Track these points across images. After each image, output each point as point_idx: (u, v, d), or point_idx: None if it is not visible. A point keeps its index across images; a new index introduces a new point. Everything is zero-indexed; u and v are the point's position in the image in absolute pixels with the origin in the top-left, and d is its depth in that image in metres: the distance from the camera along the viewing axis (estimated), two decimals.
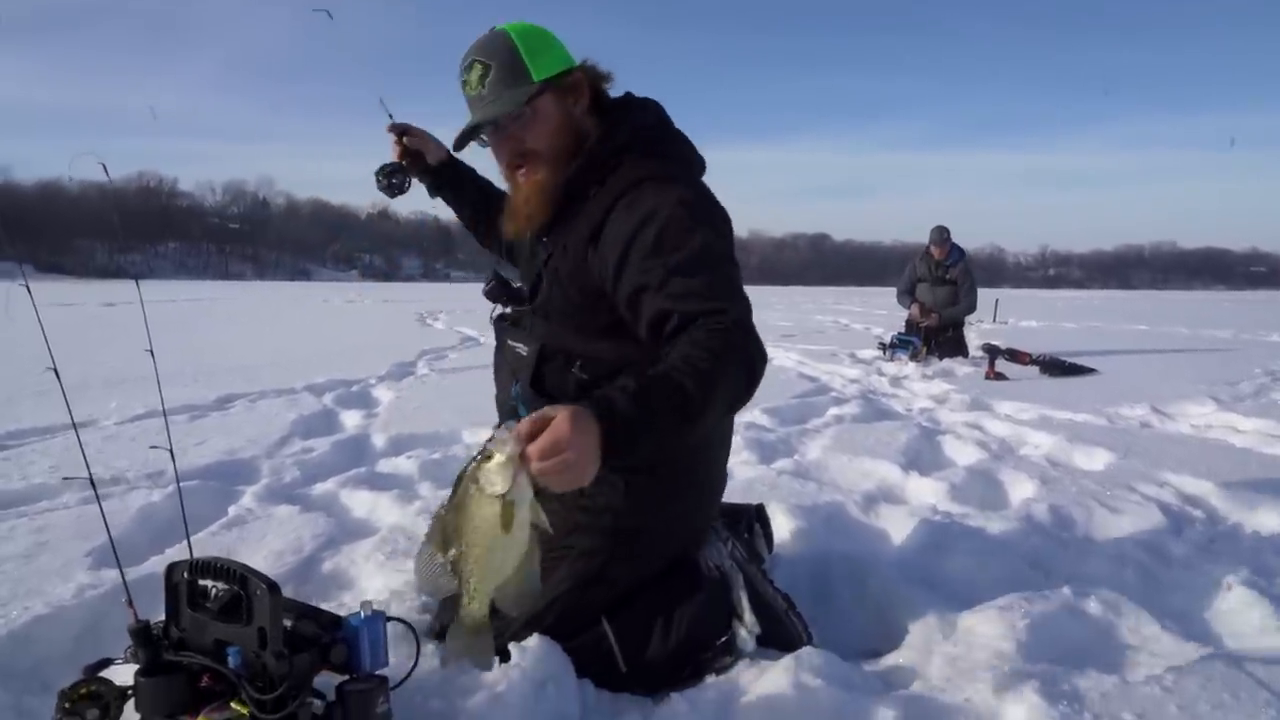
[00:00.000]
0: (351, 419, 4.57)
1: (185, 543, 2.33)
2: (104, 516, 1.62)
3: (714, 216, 1.61)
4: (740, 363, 1.43)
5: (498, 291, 1.87)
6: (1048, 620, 1.97)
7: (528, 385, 1.71)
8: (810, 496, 2.92)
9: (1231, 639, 2.03)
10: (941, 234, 8.35)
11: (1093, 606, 2.05)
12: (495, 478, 1.19)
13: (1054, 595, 2.07)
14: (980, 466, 3.51)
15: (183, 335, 10.69)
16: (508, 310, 1.85)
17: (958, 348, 8.17)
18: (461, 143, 1.72)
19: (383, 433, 4.03)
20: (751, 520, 2.20)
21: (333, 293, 36.99)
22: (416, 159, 2.22)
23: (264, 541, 2.42)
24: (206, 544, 2.40)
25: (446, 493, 3.08)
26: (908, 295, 8.48)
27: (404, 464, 3.43)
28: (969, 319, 8.71)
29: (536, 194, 1.67)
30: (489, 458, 1.20)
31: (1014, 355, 6.92)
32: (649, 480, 1.69)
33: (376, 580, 2.16)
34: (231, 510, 2.71)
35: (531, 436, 1.18)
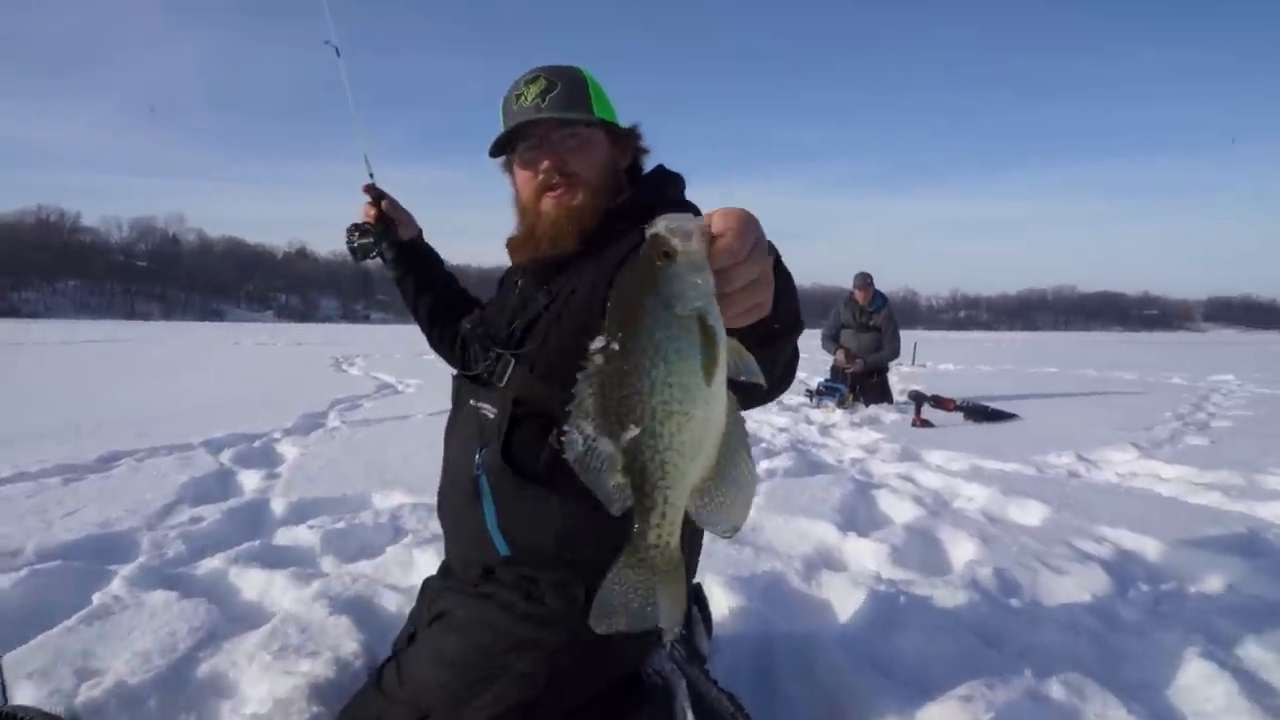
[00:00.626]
0: (250, 480, 4.19)
1: (37, 642, 2.04)
2: None
3: None
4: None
5: (482, 335, 1.65)
6: (1012, 710, 1.83)
7: (496, 453, 1.50)
8: (747, 565, 2.74)
9: (1196, 719, 1.94)
10: (864, 279, 8.41)
11: (1055, 690, 1.92)
12: (691, 281, 0.73)
13: (1014, 679, 1.94)
14: (918, 524, 3.39)
15: (74, 381, 9.97)
16: (481, 365, 1.61)
17: (883, 393, 8.19)
18: (504, 143, 1.61)
19: (283, 497, 3.69)
20: (690, 606, 2.00)
21: (245, 334, 35.57)
22: (388, 228, 2.03)
23: (129, 639, 2.09)
24: (59, 642, 2.07)
25: (351, 568, 2.81)
26: (832, 341, 8.49)
27: (304, 535, 3.11)
28: (891, 363, 8.75)
29: (569, 218, 1.54)
30: (667, 255, 0.74)
31: (939, 402, 6.96)
32: None
33: (261, 686, 1.87)
34: (96, 598, 2.36)
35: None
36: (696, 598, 2.04)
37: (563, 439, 0.79)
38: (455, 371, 1.74)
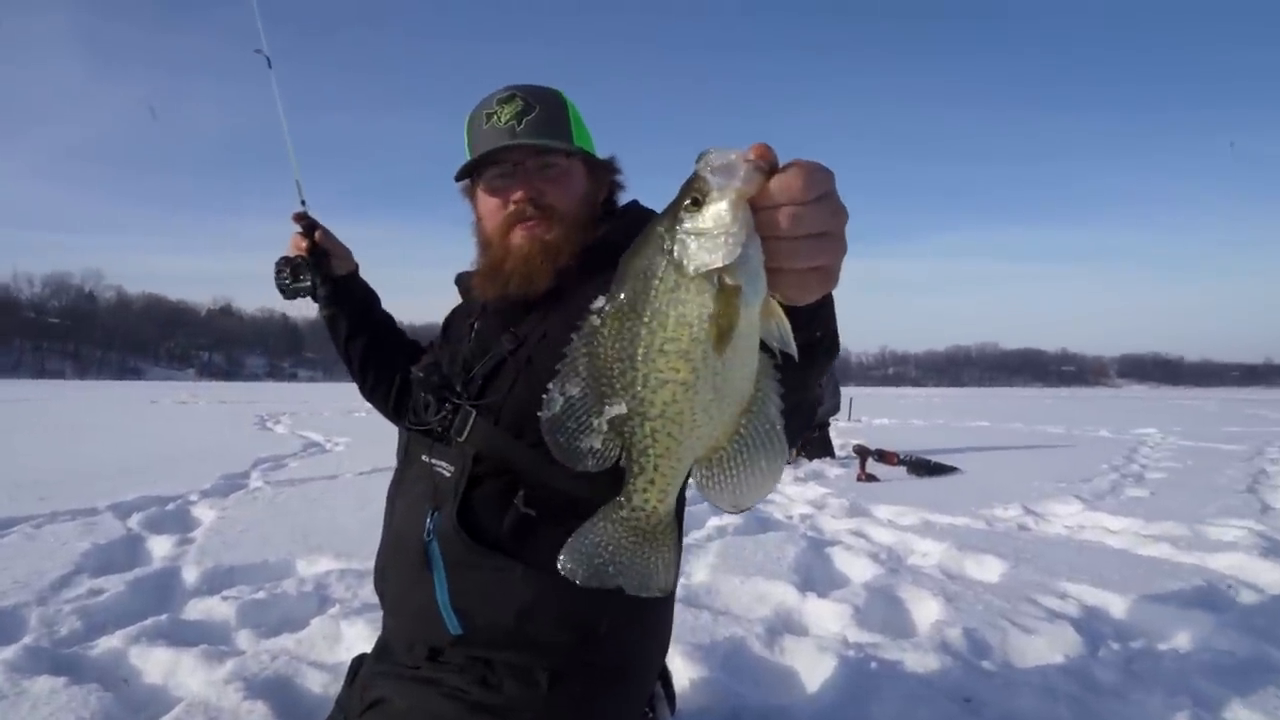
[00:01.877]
0: (160, 547, 3.84)
1: None
2: None
3: None
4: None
5: (437, 385, 1.45)
6: None
7: (452, 516, 1.33)
8: (706, 631, 2.56)
9: None
10: None
11: None
12: (711, 239, 0.63)
13: None
14: (877, 583, 3.26)
15: None
16: (435, 417, 1.42)
17: (824, 447, 8.15)
18: (472, 168, 1.45)
19: (196, 565, 3.36)
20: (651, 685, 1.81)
21: (164, 392, 34.15)
22: (320, 262, 1.79)
23: None
24: None
25: (271, 644, 2.54)
26: None
27: (218, 607, 2.81)
28: (830, 419, 8.74)
29: (543, 254, 1.38)
30: (696, 204, 0.64)
31: (883, 456, 6.92)
32: (581, 680, 1.31)
33: None
34: None
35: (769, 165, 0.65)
36: (660, 675, 1.85)
37: (543, 398, 0.74)
38: (405, 424, 1.55)
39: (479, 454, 1.34)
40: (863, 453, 6.74)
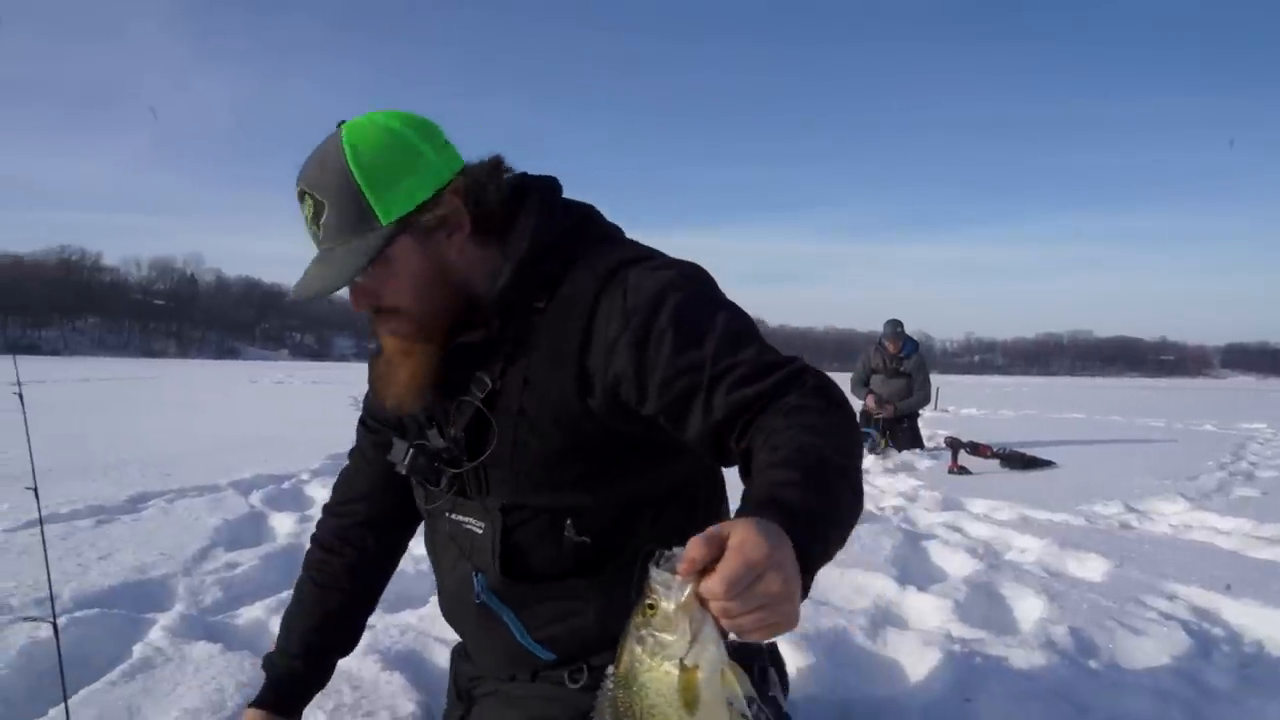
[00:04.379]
0: (283, 524, 4.09)
1: (79, 697, 1.94)
2: None
3: (710, 280, 1.28)
4: (851, 420, 1.12)
5: (427, 465, 1.33)
6: None
7: (497, 573, 1.28)
8: (809, 620, 2.62)
9: None
10: (895, 327, 8.33)
11: None
12: (666, 637, 0.83)
13: None
14: (977, 578, 3.26)
15: (96, 419, 9.95)
16: (443, 484, 1.34)
17: (914, 439, 8.06)
18: (297, 298, 1.22)
19: None
20: (765, 665, 1.88)
21: (262, 372, 35.69)
22: None
23: (175, 694, 1.99)
24: (103, 698, 1.97)
25: (394, 619, 2.70)
26: (863, 386, 8.38)
27: None
28: (919, 410, 8.62)
29: (408, 362, 1.25)
30: (652, 608, 0.84)
31: (975, 448, 6.82)
32: None
33: None
34: (137, 650, 2.25)
35: (705, 565, 0.80)
36: (773, 658, 1.92)
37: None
38: (426, 512, 1.45)
39: (506, 505, 1.28)
40: (955, 444, 6.65)
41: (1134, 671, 2.40)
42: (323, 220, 1.18)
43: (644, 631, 0.84)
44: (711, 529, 0.82)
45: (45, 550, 1.53)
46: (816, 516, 0.92)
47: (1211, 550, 3.94)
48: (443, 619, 2.47)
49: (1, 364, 2.49)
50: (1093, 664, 2.44)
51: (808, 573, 0.87)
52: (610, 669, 0.88)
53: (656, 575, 0.83)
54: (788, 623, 0.82)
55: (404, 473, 1.37)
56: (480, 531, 1.30)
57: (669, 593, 0.82)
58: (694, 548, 0.80)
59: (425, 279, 1.21)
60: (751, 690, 0.86)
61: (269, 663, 1.55)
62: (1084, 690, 2.23)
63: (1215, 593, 3.09)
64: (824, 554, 0.93)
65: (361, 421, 1.60)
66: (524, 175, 1.32)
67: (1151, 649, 2.55)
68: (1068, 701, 2.15)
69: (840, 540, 0.97)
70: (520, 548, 1.28)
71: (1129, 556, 3.66)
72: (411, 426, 1.39)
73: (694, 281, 1.23)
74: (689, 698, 0.82)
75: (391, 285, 1.21)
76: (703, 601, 0.81)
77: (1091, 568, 3.53)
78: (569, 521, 1.25)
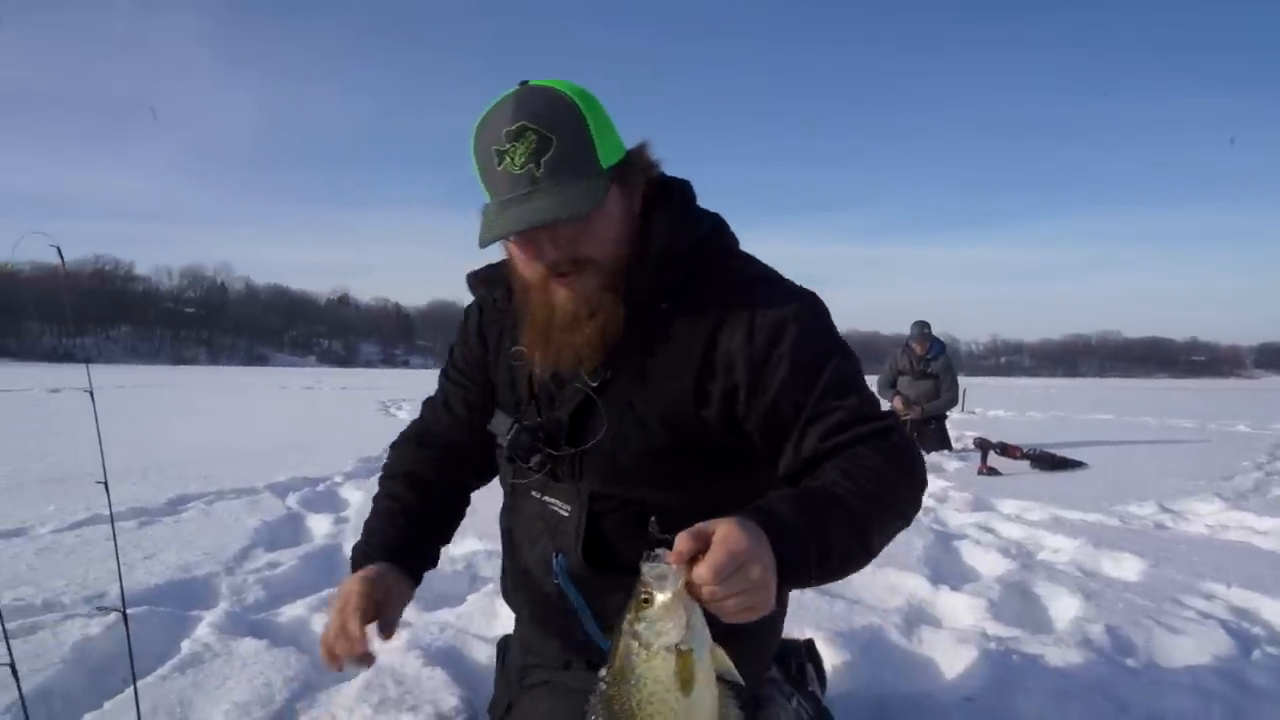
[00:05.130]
0: (320, 525, 4.17)
1: (132, 690, 1.99)
2: (15, 673, 1.30)
3: (828, 313, 1.32)
4: (912, 484, 1.20)
5: (530, 443, 1.33)
6: None
7: (578, 557, 1.31)
8: (843, 619, 2.63)
9: None
10: (922, 329, 8.30)
11: None
12: (663, 625, 0.90)
13: None
14: (1010, 578, 3.26)
15: (132, 424, 10.13)
16: (535, 461, 1.34)
17: (942, 440, 8.02)
18: (487, 243, 1.19)
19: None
20: (803, 661, 1.90)
21: (291, 379, 36.07)
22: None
23: (225, 688, 2.05)
24: (155, 691, 2.03)
25: (433, 617, 2.75)
26: (890, 388, 8.35)
27: None
28: (947, 411, 8.58)
29: (594, 319, 1.25)
30: (647, 601, 0.92)
31: (1005, 449, 6.78)
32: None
33: None
34: (185, 645, 2.32)
35: (692, 557, 0.92)
36: (809, 653, 1.94)
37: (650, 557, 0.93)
38: (509, 481, 1.45)
39: (595, 493, 1.30)
40: (984, 445, 6.61)
41: (1173, 670, 2.39)
42: (546, 157, 1.14)
43: (639, 626, 0.92)
44: (697, 525, 0.94)
45: (115, 543, 1.59)
46: (799, 535, 1.01)
47: (1250, 550, 3.90)
48: (481, 615, 2.51)
49: (38, 372, 2.56)
50: (1131, 662, 2.43)
51: (782, 580, 0.96)
52: (602, 671, 0.95)
53: (649, 570, 0.92)
54: (764, 606, 0.94)
55: (502, 445, 1.37)
56: (566, 515, 1.33)
57: (663, 583, 0.91)
58: (682, 541, 0.92)
59: (621, 234, 1.24)
60: (732, 666, 0.96)
61: (360, 553, 1.45)
62: (1123, 688, 2.23)
63: (1255, 592, 3.07)
64: (798, 569, 1.00)
65: (444, 374, 1.58)
66: (662, 174, 1.34)
67: (1190, 648, 2.53)
68: (1107, 699, 2.14)
69: (824, 569, 1.05)
70: (604, 536, 1.31)
71: (1165, 556, 3.63)
72: (507, 396, 1.41)
73: (816, 315, 1.30)
74: (686, 678, 0.90)
75: (597, 236, 1.21)
76: (690, 590, 0.91)
77: (1127, 567, 3.51)
78: (653, 518, 1.25)
